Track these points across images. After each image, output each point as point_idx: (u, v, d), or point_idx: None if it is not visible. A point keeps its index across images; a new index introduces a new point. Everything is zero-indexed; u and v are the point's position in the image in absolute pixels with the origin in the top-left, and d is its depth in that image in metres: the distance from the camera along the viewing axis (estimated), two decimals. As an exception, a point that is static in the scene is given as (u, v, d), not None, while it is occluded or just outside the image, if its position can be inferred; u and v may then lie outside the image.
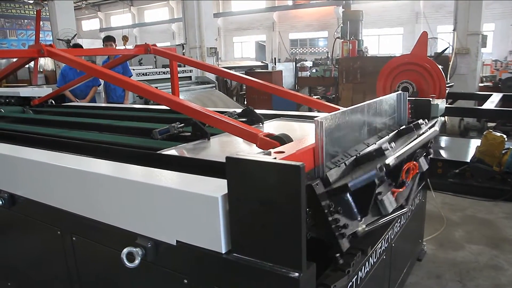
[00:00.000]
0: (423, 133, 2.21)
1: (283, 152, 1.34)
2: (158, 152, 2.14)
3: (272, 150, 1.36)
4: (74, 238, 2.02)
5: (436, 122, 2.64)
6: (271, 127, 2.89)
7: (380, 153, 1.65)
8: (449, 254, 3.58)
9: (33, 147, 2.46)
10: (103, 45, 6.74)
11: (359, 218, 1.59)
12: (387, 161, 1.53)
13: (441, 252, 3.61)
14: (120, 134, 2.90)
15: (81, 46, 6.27)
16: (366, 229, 1.60)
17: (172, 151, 2.19)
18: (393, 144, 1.90)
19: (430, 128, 2.42)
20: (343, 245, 1.37)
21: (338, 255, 1.50)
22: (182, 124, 2.56)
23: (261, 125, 2.84)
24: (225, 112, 2.93)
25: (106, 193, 1.79)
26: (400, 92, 2.49)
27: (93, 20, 35.50)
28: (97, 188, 1.83)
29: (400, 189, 1.90)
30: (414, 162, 1.98)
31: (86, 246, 1.98)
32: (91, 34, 31.81)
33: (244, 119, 2.84)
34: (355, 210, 1.54)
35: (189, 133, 2.48)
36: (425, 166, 2.27)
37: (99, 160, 2.04)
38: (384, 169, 1.50)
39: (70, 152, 2.27)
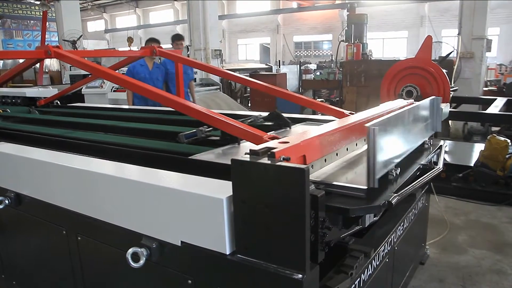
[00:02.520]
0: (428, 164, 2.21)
1: (287, 142, 1.37)
2: (190, 157, 2.03)
3: (277, 141, 1.38)
4: (79, 238, 2.03)
5: (441, 148, 2.57)
6: (299, 131, 2.70)
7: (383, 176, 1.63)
8: (452, 258, 3.58)
9: (39, 147, 2.48)
10: (172, 45, 6.57)
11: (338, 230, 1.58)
12: (393, 200, 1.49)
13: (444, 256, 3.61)
14: (138, 137, 2.80)
15: (158, 41, 5.97)
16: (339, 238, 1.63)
17: (204, 156, 2.06)
18: (398, 170, 1.79)
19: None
20: (320, 257, 1.35)
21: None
22: (210, 128, 2.40)
23: (288, 129, 2.72)
24: (251, 116, 2.84)
25: (111, 193, 1.81)
26: (433, 97, 2.47)
27: (99, 21, 35.69)
28: (102, 189, 1.84)
29: None
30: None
31: (91, 246, 2.00)
32: (97, 35, 31.98)
33: (270, 123, 2.75)
34: (341, 224, 1.54)
35: (218, 137, 2.34)
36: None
37: (104, 160, 2.06)
38: (387, 205, 1.47)
39: (77, 153, 2.29)
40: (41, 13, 13.00)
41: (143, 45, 5.59)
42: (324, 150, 1.63)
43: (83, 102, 6.72)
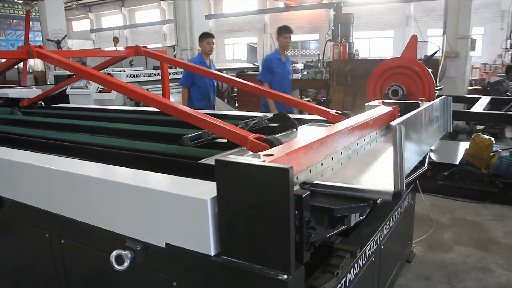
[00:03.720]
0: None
1: (272, 155, 1.35)
2: (200, 161, 1.95)
3: (261, 153, 1.36)
4: (62, 241, 2.00)
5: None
6: (305, 132, 2.67)
7: None
8: (438, 256, 3.61)
9: (22, 149, 2.43)
10: (277, 38, 5.80)
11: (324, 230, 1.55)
12: (378, 201, 1.45)
13: (430, 254, 3.64)
14: (126, 138, 2.73)
15: (212, 35, 5.83)
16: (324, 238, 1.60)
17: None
18: None
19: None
20: (305, 257, 1.32)
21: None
22: None
23: (295, 131, 2.62)
24: (255, 117, 2.75)
25: (95, 195, 1.78)
26: (444, 96, 2.45)
27: (84, 20, 35.34)
28: (86, 191, 1.82)
29: None
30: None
31: (75, 248, 1.97)
32: (82, 35, 31.70)
33: (276, 125, 2.68)
34: (326, 224, 1.50)
35: (226, 140, 2.21)
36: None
37: (88, 162, 2.03)
38: (372, 204, 1.44)
39: (61, 155, 2.25)
40: (25, 12, 12.82)
41: (132, 44, 5.52)
42: (311, 160, 1.57)
43: (68, 102, 6.63)
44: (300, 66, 16.62)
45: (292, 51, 26.67)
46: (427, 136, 1.98)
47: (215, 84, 6.05)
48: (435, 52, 8.01)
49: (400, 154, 1.35)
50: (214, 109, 5.82)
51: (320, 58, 13.52)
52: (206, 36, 5.86)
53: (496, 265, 3.42)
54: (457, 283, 3.20)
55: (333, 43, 9.67)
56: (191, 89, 5.81)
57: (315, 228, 1.36)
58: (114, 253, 1.61)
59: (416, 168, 1.99)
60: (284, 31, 5.75)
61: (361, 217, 1.73)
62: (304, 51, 26.47)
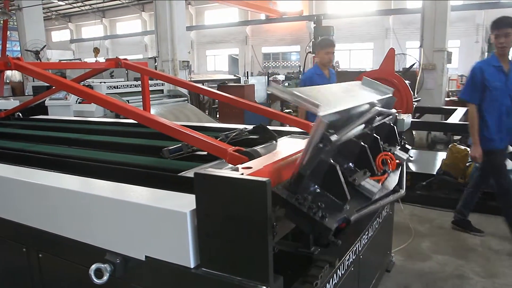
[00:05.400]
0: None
1: (250, 167, 1.37)
2: (180, 174, 1.94)
3: (239, 166, 1.38)
4: (40, 255, 1.98)
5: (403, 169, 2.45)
6: (285, 144, 2.65)
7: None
8: (416, 265, 3.66)
9: (-1, 162, 2.40)
10: (316, 50, 5.17)
11: (343, 205, 1.51)
12: (332, 138, 1.44)
13: (409, 263, 3.69)
14: (111, 151, 2.70)
15: (331, 44, 4.95)
16: (357, 214, 1.53)
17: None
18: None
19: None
20: (330, 224, 1.31)
21: (334, 240, 1.42)
22: None
23: (274, 143, 2.59)
24: (235, 129, 2.74)
25: (74, 209, 1.77)
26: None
27: (64, 31, 34.99)
28: (65, 204, 1.81)
29: (382, 177, 1.87)
30: (388, 153, 2.01)
31: (53, 263, 1.95)
32: (62, 45, 31.36)
33: (256, 137, 2.67)
34: (332, 197, 1.50)
35: (206, 153, 2.19)
36: (404, 156, 2.30)
37: (67, 175, 2.02)
38: (328, 141, 1.42)
39: (39, 168, 2.23)
40: (1, 22, 12.65)
41: (113, 54, 5.43)
42: (290, 172, 1.53)
43: (47, 114, 6.55)
44: (281, 77, 16.75)
45: (274, 62, 26.88)
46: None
47: None
48: (413, 65, 8.19)
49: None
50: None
51: (301, 70, 13.66)
52: (325, 45, 4.96)
53: (473, 272, 3.48)
54: (435, 292, 3.26)
55: (314, 55, 9.78)
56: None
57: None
58: (93, 266, 1.60)
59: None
60: (326, 45, 4.95)
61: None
62: (285, 62, 26.70)
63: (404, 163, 2.32)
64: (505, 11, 19.34)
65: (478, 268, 3.55)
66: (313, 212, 1.34)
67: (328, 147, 1.41)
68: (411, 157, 2.84)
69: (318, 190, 1.50)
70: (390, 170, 1.98)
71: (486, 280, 3.37)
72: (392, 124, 2.37)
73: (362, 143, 1.83)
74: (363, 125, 1.85)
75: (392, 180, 1.96)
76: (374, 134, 2.02)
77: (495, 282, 3.33)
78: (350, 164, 1.83)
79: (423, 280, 3.41)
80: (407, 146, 2.51)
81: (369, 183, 1.72)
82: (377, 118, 2.11)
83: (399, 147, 2.34)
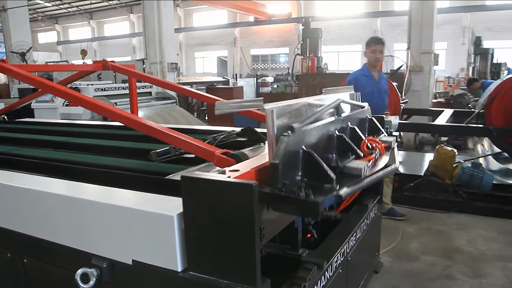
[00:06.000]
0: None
1: (237, 170, 1.37)
2: (167, 177, 1.92)
3: (227, 169, 1.38)
4: (25, 260, 1.95)
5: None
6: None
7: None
8: (405, 266, 3.68)
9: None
10: (365, 52, 4.79)
11: (331, 186, 1.50)
12: (295, 126, 1.50)
13: (397, 264, 3.71)
14: (99, 154, 2.68)
15: (378, 42, 4.61)
16: (347, 189, 1.51)
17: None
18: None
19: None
20: (316, 199, 1.33)
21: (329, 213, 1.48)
22: None
23: (262, 145, 2.56)
24: (223, 131, 2.73)
25: (60, 213, 1.75)
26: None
27: (50, 32, 34.67)
28: (50, 208, 1.78)
29: (370, 157, 1.90)
30: (372, 138, 2.05)
31: (38, 268, 1.92)
32: (48, 47, 31.05)
33: (244, 139, 2.67)
34: (316, 181, 1.50)
35: (193, 155, 2.17)
36: (391, 138, 2.32)
37: (53, 179, 2.00)
38: (290, 129, 1.47)
39: (24, 171, 2.20)
40: (-13, 24, 12.49)
41: (100, 57, 5.38)
42: None
43: (33, 117, 6.48)
44: (270, 79, 16.80)
45: (262, 64, 26.91)
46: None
47: (385, 100, 4.75)
48: (400, 67, 8.26)
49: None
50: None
51: (290, 72, 13.71)
52: (369, 43, 4.68)
53: (460, 272, 3.52)
54: (423, 292, 3.28)
55: (302, 57, 9.82)
56: None
57: None
58: (80, 271, 1.59)
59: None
60: (371, 43, 4.65)
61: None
62: (274, 64, 26.76)
63: (394, 144, 2.34)
64: (491, 14, 19.71)
65: (465, 269, 3.58)
66: (296, 193, 1.34)
67: (291, 135, 1.45)
68: (399, 139, 2.87)
69: (299, 178, 1.52)
70: (379, 152, 2.01)
71: (473, 280, 3.40)
72: (369, 116, 2.41)
73: (337, 132, 1.87)
74: (333, 117, 1.92)
75: (383, 159, 1.98)
76: (350, 125, 2.07)
77: (482, 282, 3.36)
78: (334, 155, 1.87)
79: (411, 280, 3.43)
80: (393, 133, 2.55)
81: (354, 163, 1.75)
82: (348, 110, 2.19)
83: (384, 135, 2.39)
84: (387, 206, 4.63)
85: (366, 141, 1.97)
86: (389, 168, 1.89)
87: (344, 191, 1.45)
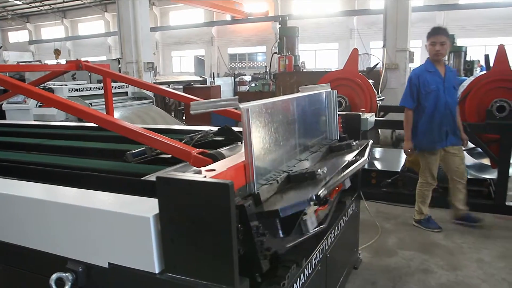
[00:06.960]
0: (355, 159, 2.26)
1: (214, 170, 1.36)
2: (143, 178, 1.89)
3: (203, 169, 1.37)
4: (-3, 267, 1.90)
5: (368, 145, 2.62)
6: None
7: (312, 176, 1.67)
8: (383, 261, 3.72)
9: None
10: (426, 45, 4.35)
11: (282, 238, 1.60)
12: (319, 193, 1.50)
13: (376, 259, 3.76)
14: (73, 156, 2.63)
15: (438, 32, 4.18)
16: (287, 247, 1.63)
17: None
18: (324, 169, 1.82)
19: (361, 151, 2.48)
20: (264, 266, 1.38)
21: (257, 274, 1.48)
22: None
23: (240, 144, 2.55)
24: (200, 131, 2.70)
25: (32, 217, 1.71)
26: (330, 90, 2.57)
27: (22, 31, 33.86)
28: (22, 212, 1.74)
29: (322, 208, 1.94)
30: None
31: (11, 275, 1.86)
32: (20, 47, 30.36)
33: (221, 138, 2.65)
34: (280, 231, 1.56)
35: (170, 156, 2.14)
36: (348, 184, 2.36)
37: (25, 182, 1.95)
38: (315, 199, 1.49)
39: (2, 176, 2.13)
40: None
41: (75, 56, 5.29)
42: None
43: (4, 119, 6.33)
44: (248, 78, 16.79)
45: (240, 63, 26.87)
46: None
47: (454, 97, 4.29)
48: (376, 65, 8.35)
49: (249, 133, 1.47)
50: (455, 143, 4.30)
51: (267, 70, 13.72)
52: (429, 34, 4.28)
53: (437, 266, 3.58)
54: (402, 286, 3.32)
55: (279, 55, 9.83)
56: (415, 111, 4.32)
57: (265, 234, 1.38)
58: (54, 276, 1.55)
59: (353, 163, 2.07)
60: (431, 34, 4.25)
61: (323, 226, 1.79)
62: (251, 63, 26.76)
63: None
64: (464, 13, 20.12)
65: (442, 262, 3.65)
66: (260, 246, 1.43)
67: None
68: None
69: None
70: (330, 200, 2.11)
71: (450, 273, 3.46)
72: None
73: None
74: None
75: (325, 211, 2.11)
76: None
77: (458, 274, 3.43)
78: None
79: (390, 276, 3.47)
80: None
81: (310, 219, 1.86)
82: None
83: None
84: (462, 211, 4.35)
85: None
86: (317, 228, 1.99)
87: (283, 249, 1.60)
